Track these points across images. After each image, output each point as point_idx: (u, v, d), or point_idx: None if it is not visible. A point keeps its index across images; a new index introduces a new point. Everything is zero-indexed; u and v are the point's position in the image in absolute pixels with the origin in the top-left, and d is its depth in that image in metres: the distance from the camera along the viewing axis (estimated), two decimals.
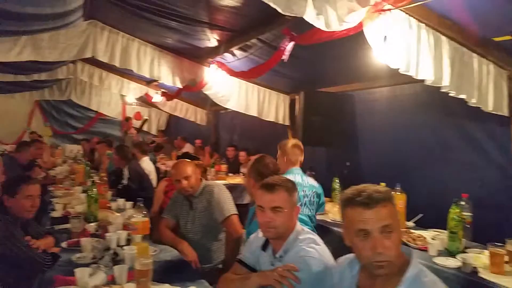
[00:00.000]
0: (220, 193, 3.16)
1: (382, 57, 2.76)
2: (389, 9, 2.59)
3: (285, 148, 3.41)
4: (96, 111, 10.78)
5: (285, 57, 3.45)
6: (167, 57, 5.56)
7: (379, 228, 1.39)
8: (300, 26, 3.02)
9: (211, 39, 4.71)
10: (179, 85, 5.78)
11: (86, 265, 2.46)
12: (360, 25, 2.63)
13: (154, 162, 7.28)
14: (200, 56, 5.50)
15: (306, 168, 4.39)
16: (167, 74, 5.61)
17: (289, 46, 3.37)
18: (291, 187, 2.03)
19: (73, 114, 11.19)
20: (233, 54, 4.86)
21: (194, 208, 3.21)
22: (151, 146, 8.63)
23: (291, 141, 3.54)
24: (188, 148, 8.87)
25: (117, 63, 5.28)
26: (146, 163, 5.89)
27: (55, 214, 3.93)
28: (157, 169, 6.93)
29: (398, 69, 2.79)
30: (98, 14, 4.99)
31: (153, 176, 5.82)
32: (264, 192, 1.97)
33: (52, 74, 7.69)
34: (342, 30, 2.65)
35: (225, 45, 4.76)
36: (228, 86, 5.57)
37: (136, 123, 10.73)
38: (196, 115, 9.05)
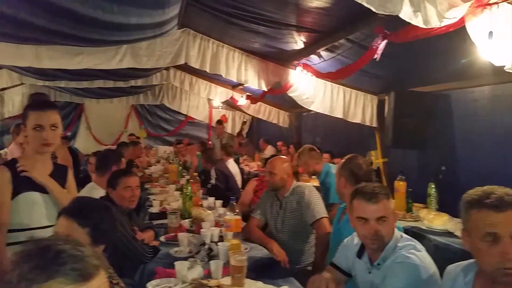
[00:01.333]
0: (310, 195, 3.15)
1: (486, 54, 2.56)
2: (496, 3, 2.40)
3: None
4: (185, 115, 11.37)
5: (377, 56, 3.35)
6: (253, 61, 5.69)
7: (511, 233, 1.30)
8: (393, 23, 2.92)
9: (298, 42, 4.74)
10: (264, 88, 5.88)
11: (184, 258, 2.61)
12: (462, 20, 2.47)
13: (238, 163, 7.48)
14: (286, 58, 5.56)
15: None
16: (253, 77, 5.74)
17: (382, 44, 3.27)
18: (389, 193, 1.98)
19: (165, 117, 11.88)
20: (319, 56, 4.84)
21: (284, 208, 3.25)
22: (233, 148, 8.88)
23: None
24: (270, 150, 9.01)
25: (207, 69, 5.52)
26: (232, 165, 6.10)
27: (153, 210, 4.22)
28: (241, 170, 7.13)
29: (503, 66, 2.58)
30: (190, 23, 5.26)
31: (238, 177, 6.00)
32: (366, 202, 1.89)
33: (147, 80, 8.26)
34: (441, 27, 2.51)
35: (311, 47, 4.75)
36: (313, 88, 5.54)
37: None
38: (278, 117, 9.15)
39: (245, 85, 7.62)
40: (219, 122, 9.24)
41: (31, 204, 2.16)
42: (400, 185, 3.91)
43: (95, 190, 3.47)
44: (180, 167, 6.14)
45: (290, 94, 5.70)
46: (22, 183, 2.12)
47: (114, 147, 7.79)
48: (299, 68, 5.22)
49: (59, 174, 2.37)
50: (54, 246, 0.97)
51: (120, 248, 2.63)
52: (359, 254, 2.06)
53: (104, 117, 11.54)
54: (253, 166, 8.25)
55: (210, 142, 10.79)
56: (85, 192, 3.50)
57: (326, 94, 5.56)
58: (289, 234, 3.22)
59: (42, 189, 2.23)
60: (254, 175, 6.96)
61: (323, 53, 4.71)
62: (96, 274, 0.99)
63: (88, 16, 3.27)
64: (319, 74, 5.01)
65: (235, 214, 2.87)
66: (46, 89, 9.72)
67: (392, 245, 1.90)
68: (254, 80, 5.72)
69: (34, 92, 2.11)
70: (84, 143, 10.81)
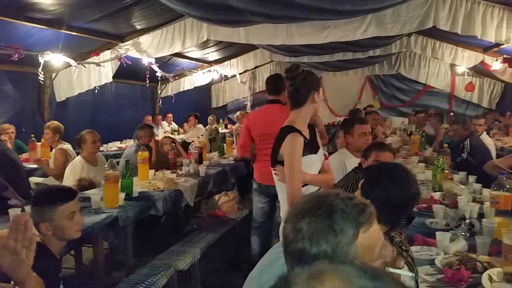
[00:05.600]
0: None
1: None
2: None
3: None
4: (423, 84, 10.69)
5: None
6: None
7: None
8: None
9: None
10: None
11: (442, 230, 2.51)
12: None
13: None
14: None
15: None
16: None
17: None
18: None
19: (400, 87, 11.43)
20: None
21: None
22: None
23: None
24: None
25: (459, 30, 4.99)
26: (486, 138, 5.44)
27: None
28: None
29: None
30: None
31: (493, 153, 5.30)
32: None
33: (386, 49, 8.10)
34: None
35: None
36: None
37: (467, 95, 10.01)
38: None
39: (501, 47, 6.60)
40: None
41: (312, 164, 2.45)
42: None
43: (344, 156, 3.67)
44: (423, 138, 5.86)
45: None
46: (305, 148, 2.40)
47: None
48: None
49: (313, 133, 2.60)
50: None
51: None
52: None
53: (339, 89, 11.98)
54: (507, 141, 7.15)
55: (451, 114, 9.91)
56: (335, 156, 3.74)
57: None
58: None
59: (316, 151, 2.49)
60: (509, 151, 6.04)
61: None
62: (375, 221, 1.06)
63: None
64: None
65: (504, 190, 2.55)
66: (289, 65, 10.72)
67: None
68: None
69: (292, 64, 2.40)
70: (320, 114, 11.52)
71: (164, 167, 4.66)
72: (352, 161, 3.43)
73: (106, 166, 3.34)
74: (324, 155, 2.66)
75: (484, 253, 2.18)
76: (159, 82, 8.75)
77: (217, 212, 4.18)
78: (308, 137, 2.47)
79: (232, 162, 5.42)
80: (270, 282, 1.25)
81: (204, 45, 7.83)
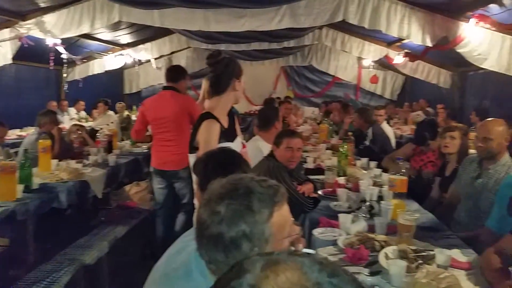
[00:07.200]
0: None
1: None
2: None
3: None
4: (332, 76, 11.24)
5: None
6: (418, 14, 5.22)
7: None
8: None
9: None
10: (428, 43, 5.39)
11: (344, 212, 2.66)
12: None
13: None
14: (457, 10, 4.96)
15: None
16: (416, 32, 5.28)
17: None
18: None
19: (312, 78, 11.93)
20: (501, 4, 4.19)
21: (483, 183, 2.79)
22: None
23: None
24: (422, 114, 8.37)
25: (366, 25, 5.28)
26: (386, 127, 5.87)
27: (307, 165, 4.36)
28: None
29: None
30: None
31: (393, 141, 5.76)
32: None
33: (300, 41, 8.34)
34: None
35: None
36: (487, 43, 4.86)
37: (371, 87, 10.72)
38: (438, 77, 8.33)
39: (403, 42, 7.14)
40: None
41: None
42: None
43: (259, 142, 3.72)
44: (331, 127, 6.18)
45: (458, 50, 5.12)
46: (222, 135, 2.37)
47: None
48: (473, 20, 4.63)
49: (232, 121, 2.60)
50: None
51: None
52: None
53: (255, 78, 12.05)
54: (405, 130, 7.81)
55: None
56: (250, 143, 3.78)
57: (504, 50, 4.81)
58: (476, 212, 2.82)
59: (232, 140, 2.47)
60: (408, 140, 6.61)
61: (507, 1, 4.06)
62: (286, 200, 1.11)
63: None
64: (502, 27, 4.34)
65: (400, 174, 2.77)
66: (207, 52, 10.59)
67: None
68: (417, 35, 5.27)
69: (214, 51, 2.41)
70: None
71: (69, 156, 4.35)
72: (266, 147, 3.49)
73: (0, 156, 3.05)
74: (242, 143, 2.66)
75: (382, 233, 2.35)
76: (65, 65, 8.12)
77: (127, 203, 4.03)
78: (226, 125, 2.45)
79: (145, 150, 5.23)
80: (178, 270, 1.23)
81: (115, 26, 7.41)
